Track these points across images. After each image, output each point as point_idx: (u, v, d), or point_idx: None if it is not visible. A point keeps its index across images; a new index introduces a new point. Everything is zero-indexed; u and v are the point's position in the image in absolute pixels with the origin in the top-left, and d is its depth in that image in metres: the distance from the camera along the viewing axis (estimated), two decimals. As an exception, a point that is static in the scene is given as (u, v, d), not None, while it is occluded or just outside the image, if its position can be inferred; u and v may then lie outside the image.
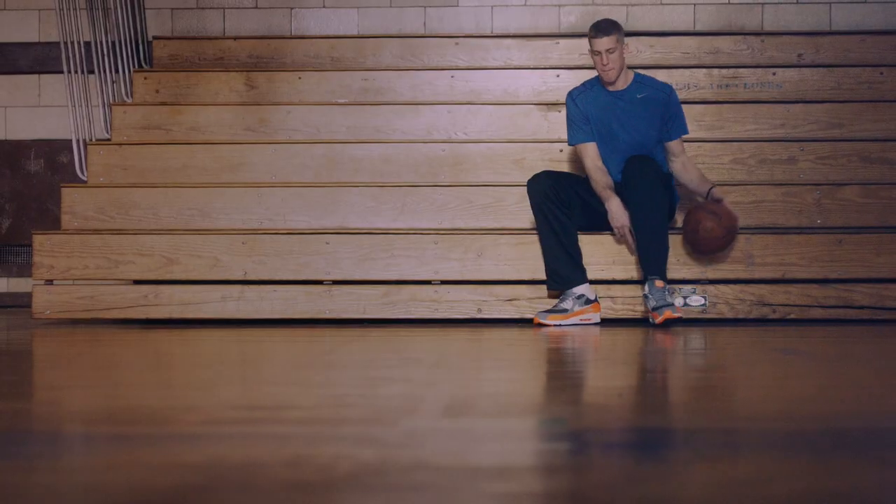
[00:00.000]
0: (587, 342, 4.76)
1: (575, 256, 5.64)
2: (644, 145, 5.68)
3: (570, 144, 5.82)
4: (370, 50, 7.51)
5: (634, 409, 2.85)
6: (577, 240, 5.67)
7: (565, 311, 5.56)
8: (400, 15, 7.93)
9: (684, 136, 5.79)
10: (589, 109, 5.72)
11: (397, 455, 2.08)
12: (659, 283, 5.52)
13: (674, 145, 5.75)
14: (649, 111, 5.68)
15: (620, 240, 5.73)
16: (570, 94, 5.81)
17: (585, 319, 5.57)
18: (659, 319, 5.46)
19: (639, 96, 5.69)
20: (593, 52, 5.64)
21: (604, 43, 5.56)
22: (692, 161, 5.93)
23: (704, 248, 5.63)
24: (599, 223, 5.72)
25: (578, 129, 5.75)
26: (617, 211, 5.63)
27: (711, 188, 5.72)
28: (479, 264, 5.84)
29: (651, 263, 5.55)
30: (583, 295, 5.59)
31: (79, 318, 5.89)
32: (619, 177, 5.68)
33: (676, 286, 5.78)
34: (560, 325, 5.50)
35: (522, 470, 2.00)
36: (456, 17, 7.92)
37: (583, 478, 1.90)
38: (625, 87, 5.71)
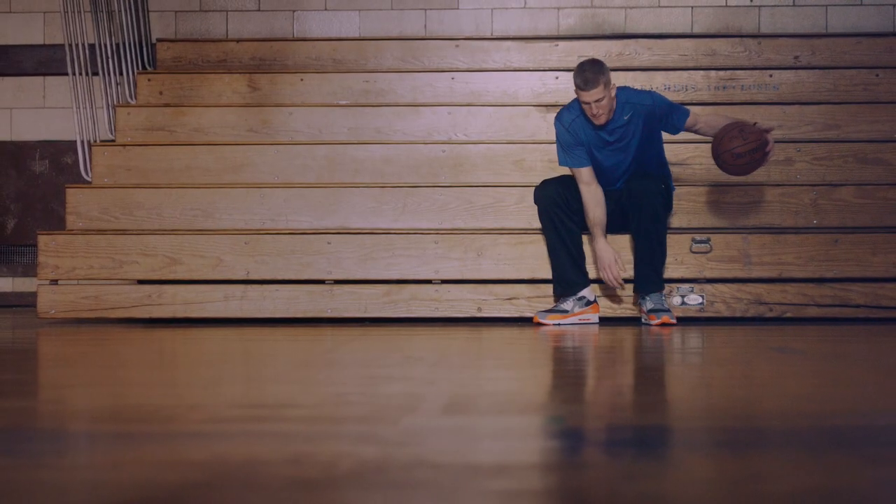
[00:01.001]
0: (585, 341, 4.76)
1: (579, 261, 5.64)
2: (639, 161, 5.65)
3: (560, 165, 5.72)
4: (371, 52, 7.51)
5: (632, 406, 2.85)
6: (581, 244, 5.66)
7: (565, 311, 5.56)
8: (401, 17, 7.93)
9: (691, 114, 5.60)
10: (580, 136, 5.59)
11: (398, 453, 2.08)
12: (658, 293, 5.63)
13: (688, 126, 5.60)
14: (639, 127, 5.57)
15: (609, 282, 5.62)
16: (559, 118, 5.64)
17: (584, 319, 5.57)
18: (656, 322, 5.48)
19: (625, 118, 5.54)
20: (581, 101, 5.48)
21: (592, 95, 5.41)
22: (709, 115, 5.72)
23: (732, 170, 5.46)
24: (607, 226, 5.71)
25: (570, 153, 5.61)
26: (602, 252, 5.58)
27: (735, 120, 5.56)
28: (478, 264, 5.84)
29: (651, 283, 5.60)
30: (584, 297, 5.60)
31: (83, 318, 5.89)
32: (608, 186, 5.67)
33: (675, 285, 5.78)
34: (559, 324, 5.51)
35: (521, 467, 2.00)
36: (456, 19, 7.92)
37: (581, 475, 1.90)
38: (610, 117, 5.53)
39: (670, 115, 5.58)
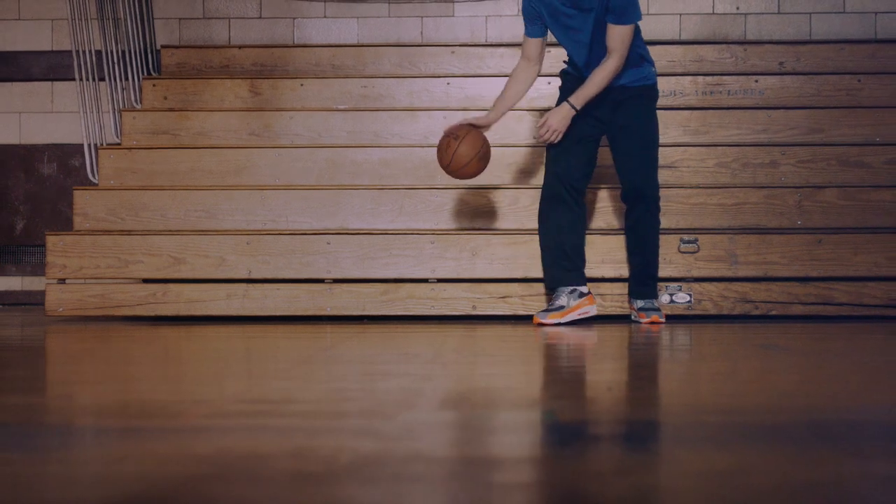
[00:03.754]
0: (577, 338, 4.76)
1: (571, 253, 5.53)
2: (601, 41, 5.30)
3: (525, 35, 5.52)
4: (369, 58, 7.51)
5: (622, 402, 2.86)
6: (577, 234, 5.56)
7: (562, 307, 5.44)
8: (398, 24, 7.93)
9: (629, 26, 5.23)
10: (541, 11, 5.38)
11: (396, 447, 2.08)
12: (657, 303, 5.63)
13: (609, 34, 5.25)
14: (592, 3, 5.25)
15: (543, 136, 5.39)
16: None
17: (583, 313, 5.49)
18: (646, 320, 5.48)
19: None
20: None
21: None
22: (613, 70, 5.28)
23: (458, 173, 5.31)
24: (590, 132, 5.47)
25: (527, 24, 5.44)
26: (469, 119, 5.41)
27: (572, 101, 5.31)
28: (473, 263, 5.84)
29: (648, 291, 5.59)
30: (575, 289, 5.51)
31: (90, 316, 5.88)
32: (586, 71, 5.38)
33: (663, 283, 5.78)
34: (560, 322, 5.43)
35: (515, 460, 2.00)
36: (452, 26, 7.92)
37: (572, 468, 1.90)
38: None
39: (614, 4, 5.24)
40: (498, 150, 6.51)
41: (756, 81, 7.10)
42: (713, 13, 7.86)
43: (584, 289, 5.49)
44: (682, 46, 7.48)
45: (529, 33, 5.51)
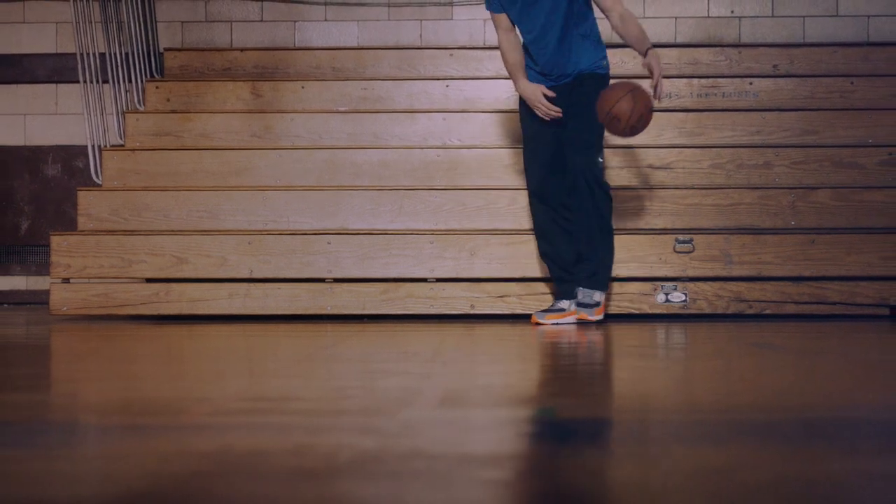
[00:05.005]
0: (574, 337, 4.76)
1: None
2: (571, 25, 5.28)
3: (486, 10, 5.46)
4: (369, 61, 7.51)
5: (618, 399, 2.86)
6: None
7: (562, 310, 5.45)
8: (397, 28, 7.93)
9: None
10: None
11: (395, 444, 2.08)
12: (597, 296, 5.39)
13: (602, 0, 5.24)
14: None
15: (544, 116, 5.34)
16: None
17: (581, 317, 5.47)
18: (576, 316, 5.39)
19: None
20: None
21: None
22: (631, 14, 5.27)
23: (614, 129, 5.11)
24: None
25: (496, 4, 5.36)
26: (528, 89, 5.34)
27: (649, 49, 5.19)
28: (472, 263, 5.84)
29: (596, 279, 5.37)
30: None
31: (94, 315, 5.88)
32: (551, 60, 5.33)
33: (658, 283, 5.79)
34: (557, 323, 5.43)
35: (513, 457, 2.00)
36: (450, 30, 7.92)
37: (568, 464, 1.90)
38: None
39: None
40: (497, 151, 6.51)
41: (750, 84, 7.10)
42: (708, 16, 7.87)
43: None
44: (678, 49, 7.48)
45: (496, 9, 5.37)
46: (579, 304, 5.40)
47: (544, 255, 5.58)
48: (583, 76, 5.35)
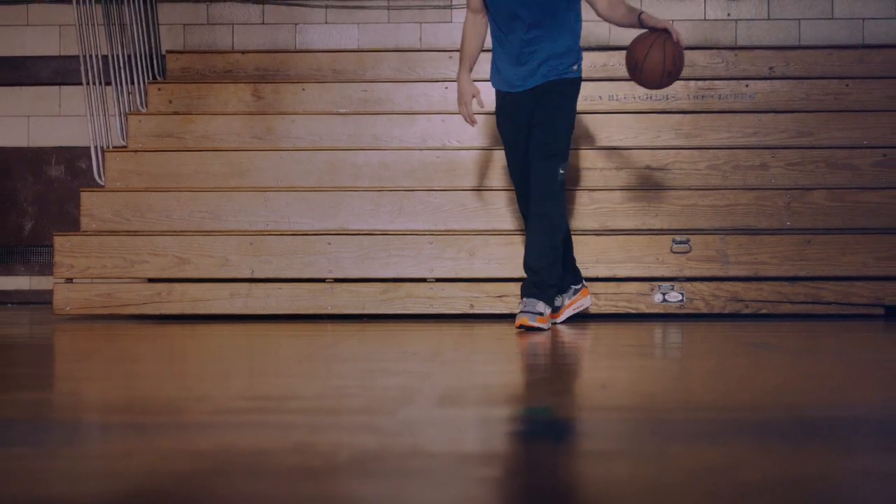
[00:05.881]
0: (572, 336, 4.76)
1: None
2: (554, 13, 5.00)
3: None
4: (369, 63, 7.51)
5: (615, 398, 2.85)
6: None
7: (557, 308, 5.34)
8: (397, 30, 7.93)
9: None
10: None
11: (395, 442, 2.08)
12: (540, 307, 4.92)
13: None
14: None
15: (463, 116, 5.18)
16: None
17: (578, 308, 5.44)
18: (517, 323, 4.92)
19: None
20: None
21: None
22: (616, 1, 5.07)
23: (646, 80, 4.95)
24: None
25: None
26: (461, 85, 5.13)
27: (641, 14, 5.02)
28: (471, 263, 5.84)
29: (540, 292, 4.95)
30: (570, 287, 5.41)
31: (97, 314, 5.88)
32: (523, 50, 5.03)
33: (655, 283, 5.79)
34: (557, 322, 5.35)
35: (511, 456, 2.00)
36: (450, 32, 7.92)
37: (565, 463, 1.90)
38: None
39: None
40: (495, 152, 6.51)
41: (746, 86, 7.10)
42: (705, 19, 7.87)
43: (577, 285, 5.44)
44: (675, 52, 7.47)
45: None
46: (523, 311, 4.94)
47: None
48: (551, 84, 5.04)
